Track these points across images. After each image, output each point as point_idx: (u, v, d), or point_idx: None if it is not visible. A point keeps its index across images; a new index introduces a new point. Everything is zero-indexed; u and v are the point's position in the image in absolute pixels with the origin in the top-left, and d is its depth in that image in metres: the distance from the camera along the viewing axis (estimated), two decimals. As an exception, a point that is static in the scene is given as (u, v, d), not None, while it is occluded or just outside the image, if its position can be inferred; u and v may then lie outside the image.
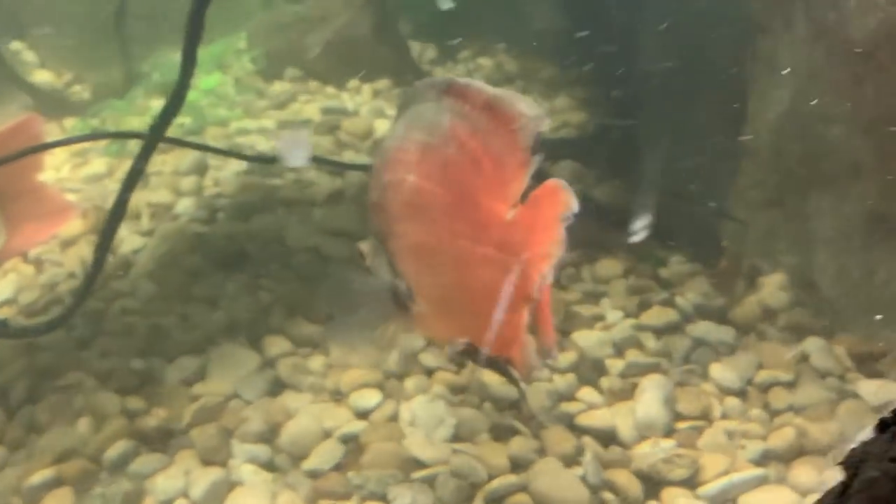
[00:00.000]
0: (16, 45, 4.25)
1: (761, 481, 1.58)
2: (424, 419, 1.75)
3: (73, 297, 2.01)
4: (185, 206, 2.79)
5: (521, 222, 1.27)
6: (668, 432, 1.70)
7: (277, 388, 1.92)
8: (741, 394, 1.79)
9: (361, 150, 3.09)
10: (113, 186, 3.01)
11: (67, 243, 2.65)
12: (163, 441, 1.78)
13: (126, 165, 3.11)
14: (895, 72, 1.67)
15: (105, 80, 4.15)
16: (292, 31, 3.89)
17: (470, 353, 1.39)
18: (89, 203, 2.86)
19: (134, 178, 1.95)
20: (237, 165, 3.00)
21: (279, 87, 3.72)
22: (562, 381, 1.84)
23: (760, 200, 2.09)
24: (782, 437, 1.66)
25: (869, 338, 1.82)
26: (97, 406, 1.89)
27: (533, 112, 1.26)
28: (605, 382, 1.83)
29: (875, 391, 1.75)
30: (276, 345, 2.05)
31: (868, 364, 1.84)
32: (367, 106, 3.48)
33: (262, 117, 3.46)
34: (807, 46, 1.85)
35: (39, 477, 1.70)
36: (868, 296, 1.80)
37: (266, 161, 2.81)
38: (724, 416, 1.74)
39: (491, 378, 1.86)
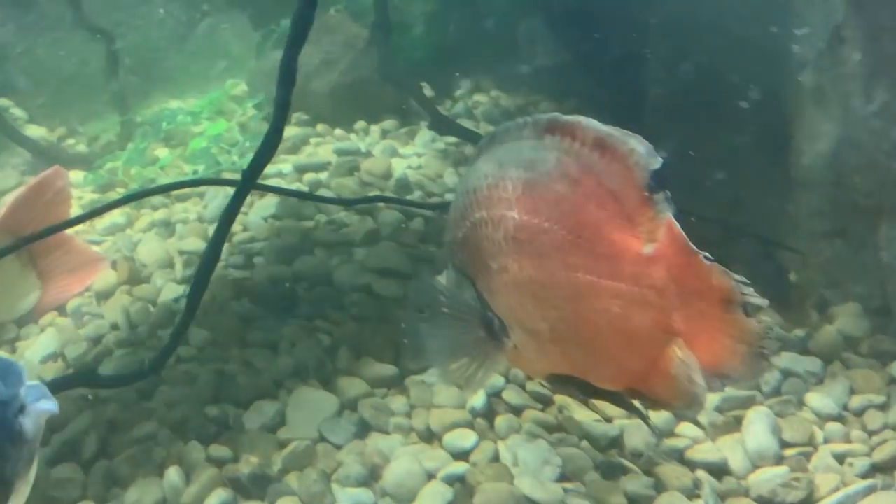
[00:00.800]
0: (3, 102, 4.18)
1: (871, 490, 1.65)
2: (528, 460, 1.75)
3: (166, 345, 1.96)
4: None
5: (660, 257, 1.25)
6: (779, 460, 1.77)
7: (364, 430, 1.90)
8: (839, 418, 1.88)
9: (387, 190, 3.09)
10: (136, 237, 2.97)
11: (103, 295, 2.59)
12: (260, 488, 1.74)
13: (144, 216, 3.10)
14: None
15: (100, 132, 4.11)
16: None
17: (580, 387, 1.38)
18: (117, 254, 2.80)
19: (229, 223, 1.93)
20: (263, 210, 2.98)
21: (288, 132, 3.69)
22: (657, 418, 1.86)
23: (821, 231, 2.17)
24: (884, 452, 1.76)
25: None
26: (180, 456, 1.84)
27: (645, 149, 1.26)
28: (702, 417, 1.87)
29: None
30: (352, 386, 2.02)
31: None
32: (380, 146, 3.50)
33: (278, 162, 3.44)
34: (862, 81, 1.93)
35: (144, 530, 1.64)
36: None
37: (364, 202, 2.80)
38: (828, 441, 1.85)
39: (584, 415, 1.87)
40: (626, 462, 1.74)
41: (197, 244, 2.82)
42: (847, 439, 1.84)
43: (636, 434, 1.81)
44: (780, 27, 2.30)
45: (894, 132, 1.88)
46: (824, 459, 1.77)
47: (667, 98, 2.82)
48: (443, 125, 3.24)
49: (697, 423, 1.86)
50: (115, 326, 2.43)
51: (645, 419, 1.42)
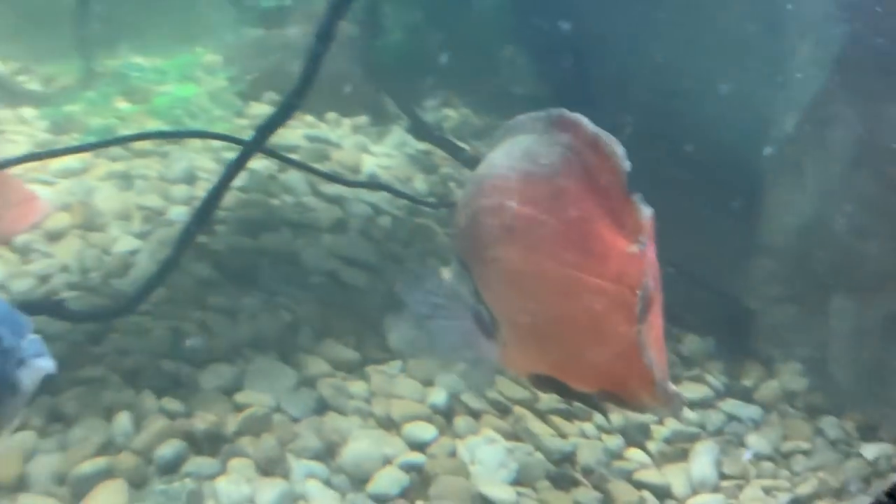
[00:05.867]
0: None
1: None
2: (485, 460, 1.78)
3: (143, 285, 1.92)
4: (178, 213, 2.69)
5: (643, 257, 1.22)
6: (716, 489, 1.90)
7: (322, 408, 1.89)
8: (771, 459, 2.03)
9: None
10: (93, 184, 2.87)
11: (54, 236, 2.50)
12: (213, 445, 1.71)
13: (100, 165, 3.01)
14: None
15: (58, 74, 3.98)
16: (276, 56, 3.87)
17: (557, 387, 1.39)
18: (71, 197, 2.71)
19: (229, 179, 1.91)
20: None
21: (258, 109, 3.67)
22: (611, 441, 1.94)
23: (777, 295, 2.31)
24: (805, 488, 2.01)
25: (872, 414, 2.06)
26: (131, 403, 1.79)
27: (622, 152, 1.27)
28: (651, 445, 1.97)
29: (874, 451, 2.11)
30: (312, 364, 2.01)
31: (870, 433, 2.18)
32: (350, 140, 3.50)
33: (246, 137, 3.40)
34: (842, 165, 2.07)
35: (89, 466, 1.59)
36: (877, 383, 2.02)
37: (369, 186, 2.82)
38: (759, 476, 2.00)
39: (540, 429, 1.92)
40: (577, 475, 1.79)
41: (157, 201, 2.75)
42: (775, 476, 2.06)
43: (588, 451, 1.87)
44: (768, 98, 2.43)
45: (864, 217, 2.02)
46: (755, 492, 1.95)
47: (640, 148, 2.92)
48: (421, 131, 3.27)
49: (645, 450, 1.96)
50: (65, 268, 2.34)
51: (605, 415, 1.43)
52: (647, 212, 1.22)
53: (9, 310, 0.97)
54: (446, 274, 1.56)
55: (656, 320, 1.20)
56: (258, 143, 2.00)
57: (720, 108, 2.60)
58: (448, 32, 4.10)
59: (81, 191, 2.77)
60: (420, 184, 3.19)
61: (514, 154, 1.36)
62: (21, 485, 1.57)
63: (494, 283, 1.36)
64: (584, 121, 1.30)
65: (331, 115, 3.70)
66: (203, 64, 4.23)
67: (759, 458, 2.07)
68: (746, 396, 2.29)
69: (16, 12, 4.15)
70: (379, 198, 2.94)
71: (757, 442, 2.12)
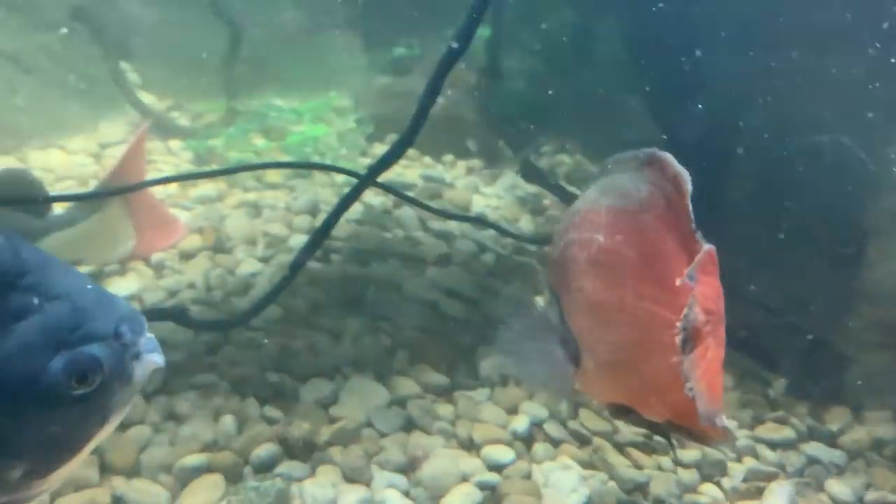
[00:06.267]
0: (123, 65, 4.43)
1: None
2: (558, 484, 1.83)
3: (257, 302, 2.12)
4: (298, 241, 2.89)
5: (690, 290, 1.23)
6: None
7: (409, 425, 2.00)
8: None
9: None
10: (225, 211, 3.14)
11: (186, 255, 2.75)
12: (305, 452, 1.84)
13: (234, 194, 3.28)
14: None
15: (204, 111, 4.35)
16: (400, 101, 4.08)
17: (630, 416, 1.43)
18: (205, 222, 2.97)
19: (341, 212, 2.10)
20: (347, 213, 3.12)
21: (380, 149, 3.89)
22: (686, 475, 1.94)
23: (874, 342, 2.25)
24: None
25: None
26: (237, 408, 1.96)
27: (690, 188, 1.30)
28: (726, 482, 1.95)
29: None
30: (404, 386, 2.13)
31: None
32: (463, 181, 3.65)
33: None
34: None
35: (192, 460, 1.76)
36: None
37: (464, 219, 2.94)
38: None
39: (616, 460, 1.96)
40: (648, 508, 1.82)
41: (281, 229, 2.97)
42: (857, 525, 1.95)
43: (662, 484, 1.89)
44: (877, 147, 2.40)
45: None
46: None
47: (748, 200, 2.92)
48: (531, 173, 3.38)
49: (720, 486, 1.95)
50: (191, 285, 2.57)
51: (671, 444, 1.46)
52: (706, 247, 1.27)
53: (131, 311, 1.10)
54: (541, 303, 1.64)
55: (711, 352, 1.24)
56: (368, 178, 2.17)
57: (831, 156, 2.58)
58: (567, 81, 4.21)
59: (215, 216, 3.03)
60: (526, 224, 3.29)
61: (606, 190, 1.45)
62: (134, 471, 1.76)
63: (578, 312, 1.44)
64: (670, 158, 1.36)
65: (447, 157, 3.87)
66: (335, 107, 4.53)
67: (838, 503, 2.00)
68: (831, 441, 2.21)
69: (174, 55, 4.58)
70: (484, 236, 3.06)
71: (838, 488, 2.03)
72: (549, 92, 4.19)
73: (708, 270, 1.27)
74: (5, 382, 0.94)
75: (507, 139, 3.80)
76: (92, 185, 3.21)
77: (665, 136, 3.77)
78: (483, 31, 3.76)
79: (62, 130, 3.73)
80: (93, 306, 1.03)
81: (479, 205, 3.42)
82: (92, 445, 1.08)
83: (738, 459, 2.05)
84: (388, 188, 2.63)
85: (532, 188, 3.56)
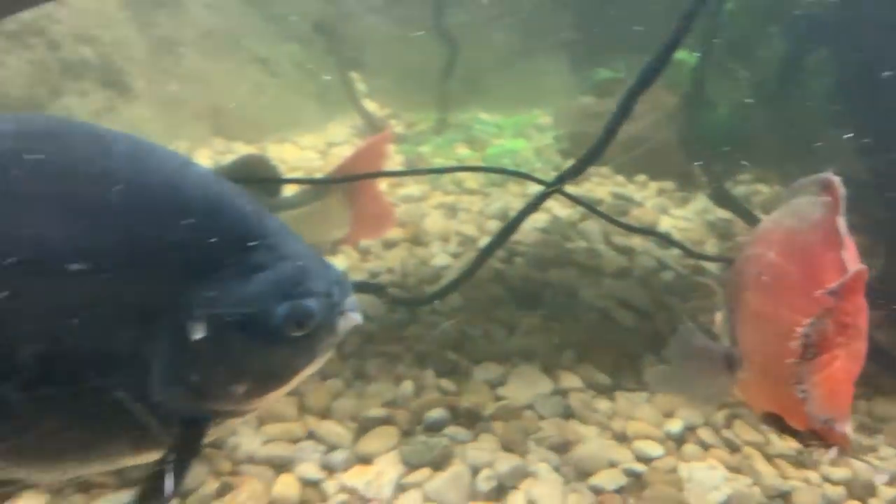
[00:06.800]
0: (353, 75, 4.89)
1: None
2: (702, 480, 1.94)
3: (444, 287, 2.39)
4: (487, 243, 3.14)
5: (822, 303, 1.31)
6: None
7: (567, 414, 2.17)
8: None
9: (648, 239, 3.33)
10: (426, 210, 3.45)
11: (389, 245, 3.08)
12: (470, 421, 2.07)
13: (435, 196, 3.58)
14: None
15: (418, 121, 4.72)
16: (598, 121, 4.24)
17: (778, 424, 1.50)
18: (408, 217, 3.29)
19: (525, 215, 2.32)
20: (535, 221, 3.34)
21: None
22: (832, 490, 1.97)
23: None
24: None
25: None
26: (416, 377, 2.22)
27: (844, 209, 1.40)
28: (873, 502, 1.95)
29: None
30: (568, 380, 2.30)
31: None
32: (653, 201, 3.75)
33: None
34: None
35: (375, 412, 2.05)
36: None
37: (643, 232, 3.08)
38: None
39: (764, 468, 2.02)
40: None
41: (473, 231, 3.23)
42: None
43: (807, 496, 1.93)
44: None
45: None
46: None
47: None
48: (723, 199, 3.42)
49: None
50: (390, 270, 2.89)
51: (804, 446, 1.52)
52: (857, 267, 1.35)
53: (341, 276, 1.32)
54: (717, 322, 1.77)
55: (839, 363, 1.33)
56: (553, 186, 2.36)
57: None
58: (773, 111, 4.19)
59: (417, 214, 3.35)
60: (711, 248, 3.34)
61: (785, 211, 1.58)
62: (325, 414, 2.06)
63: (742, 322, 1.56)
64: (838, 182, 1.46)
65: (640, 177, 3.99)
66: (536, 123, 4.77)
67: None
68: None
69: (398, 68, 5.01)
70: (666, 254, 3.16)
71: None
72: (754, 121, 4.19)
73: (853, 288, 1.36)
74: (243, 317, 1.19)
75: (703, 164, 3.85)
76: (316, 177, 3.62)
77: (873, 177, 3.68)
78: (690, 57, 3.84)
79: (296, 128, 4.23)
80: (313, 269, 1.25)
81: (665, 225, 3.51)
82: (298, 379, 1.32)
83: (891, 482, 2.03)
84: (573, 197, 2.81)
85: (723, 214, 3.60)
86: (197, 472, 1.76)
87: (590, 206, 2.92)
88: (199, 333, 1.13)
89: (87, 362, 1.09)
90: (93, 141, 1.14)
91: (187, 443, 1.19)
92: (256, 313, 1.17)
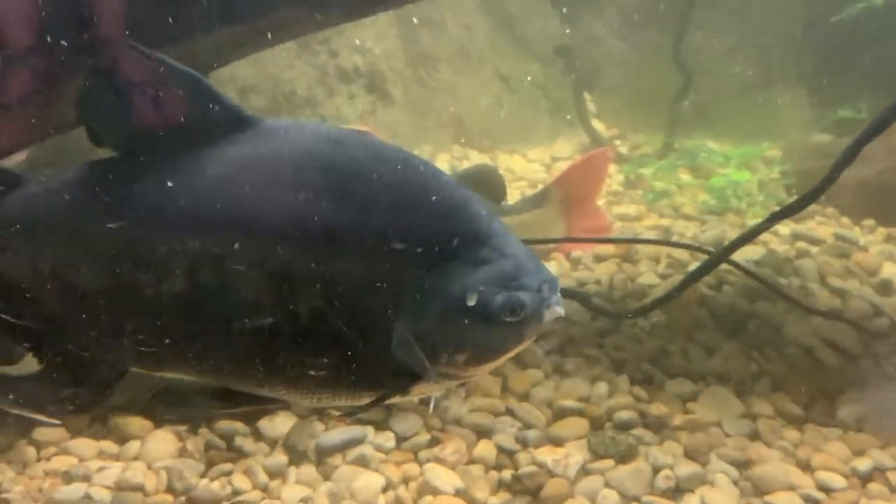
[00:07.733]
0: (586, 95, 5.10)
1: None
2: (882, 519, 1.97)
3: (649, 304, 2.55)
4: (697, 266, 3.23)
5: None
6: None
7: (753, 436, 2.26)
8: None
9: (865, 284, 3.27)
10: (640, 230, 3.59)
11: (599, 258, 3.26)
12: (658, 426, 2.22)
13: (651, 217, 3.70)
14: None
15: (643, 143, 4.85)
16: (830, 160, 4.15)
17: None
18: (621, 235, 3.46)
19: (733, 249, 2.43)
20: (748, 254, 3.38)
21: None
22: None
23: None
24: None
25: None
26: (610, 380, 2.41)
27: None
28: None
29: None
30: (760, 406, 2.38)
31: None
32: (878, 247, 3.65)
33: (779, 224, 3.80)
34: None
35: (570, 403, 2.26)
36: None
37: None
38: None
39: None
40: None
41: (684, 255, 3.34)
42: None
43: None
44: None
45: None
46: None
47: None
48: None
49: None
50: (598, 282, 3.07)
51: None
52: None
53: (551, 276, 1.54)
54: None
55: None
56: (769, 223, 2.43)
57: None
58: None
59: (630, 233, 3.50)
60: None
61: None
62: (524, 397, 2.31)
63: None
64: None
65: (868, 222, 3.88)
66: (764, 156, 4.73)
67: None
68: None
69: (630, 91, 5.17)
70: (885, 302, 3.10)
71: None
72: None
73: None
74: (471, 301, 1.46)
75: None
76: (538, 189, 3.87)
77: None
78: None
79: (526, 141, 4.52)
80: (528, 267, 1.47)
81: (889, 272, 3.42)
82: (507, 356, 1.55)
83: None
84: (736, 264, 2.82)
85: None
86: (413, 423, 2.07)
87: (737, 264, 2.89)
88: (472, 301, 1.40)
89: (355, 318, 1.40)
90: (378, 154, 1.45)
91: (407, 392, 1.48)
92: (480, 299, 1.43)
